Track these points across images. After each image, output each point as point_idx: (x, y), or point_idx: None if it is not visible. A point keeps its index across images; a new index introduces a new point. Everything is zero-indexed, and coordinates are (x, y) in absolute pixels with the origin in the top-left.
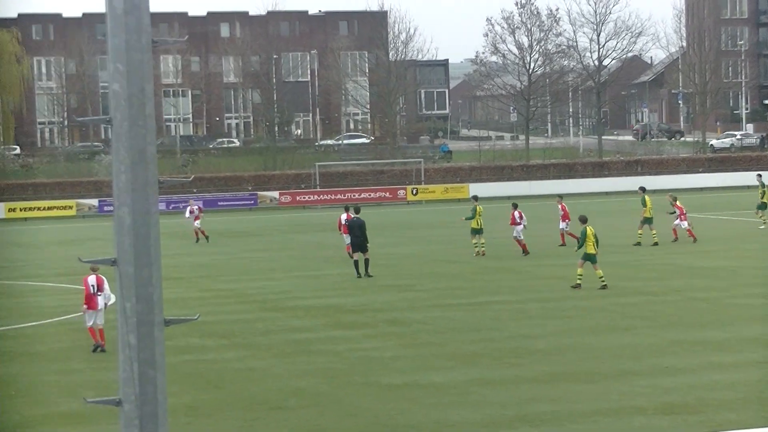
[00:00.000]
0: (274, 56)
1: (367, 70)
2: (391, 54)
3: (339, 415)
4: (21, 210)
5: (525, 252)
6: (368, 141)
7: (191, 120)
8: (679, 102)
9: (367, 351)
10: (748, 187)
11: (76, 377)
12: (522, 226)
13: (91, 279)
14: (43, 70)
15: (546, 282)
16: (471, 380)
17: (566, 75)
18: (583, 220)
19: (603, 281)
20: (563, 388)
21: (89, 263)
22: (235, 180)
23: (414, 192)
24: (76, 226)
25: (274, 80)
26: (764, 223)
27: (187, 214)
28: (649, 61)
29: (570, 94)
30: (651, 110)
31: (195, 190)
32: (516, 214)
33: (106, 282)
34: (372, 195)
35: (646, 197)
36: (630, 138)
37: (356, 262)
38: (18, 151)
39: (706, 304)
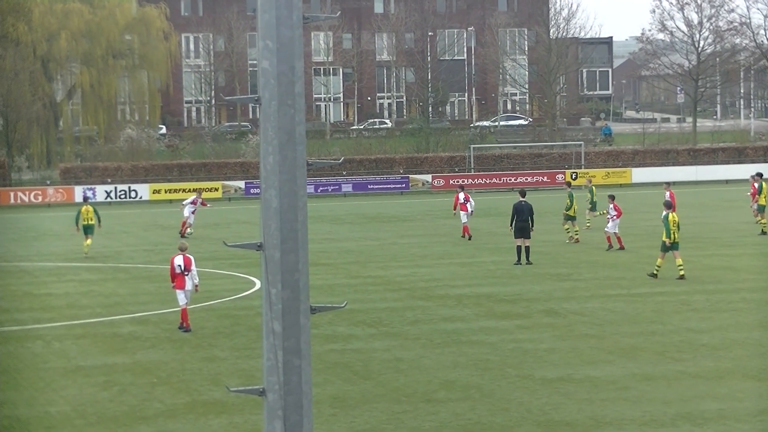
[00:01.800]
0: (430, 33)
1: (526, 48)
2: (552, 31)
3: (490, 409)
4: (166, 192)
5: (611, 247)
6: (526, 123)
7: (342, 100)
8: None
9: (520, 343)
10: None
11: (220, 365)
12: (618, 220)
13: (178, 259)
14: (191, 47)
15: (712, 273)
16: (630, 375)
17: (738, 54)
18: (668, 205)
19: (681, 270)
20: (729, 385)
21: (234, 248)
22: (387, 162)
23: (573, 176)
24: (222, 208)
25: (429, 58)
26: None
27: (187, 203)
28: None
29: (742, 74)
30: None
31: (344, 173)
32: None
33: (193, 262)
34: (529, 179)
35: (764, 184)
36: None
37: (518, 248)
38: (164, 130)
39: None
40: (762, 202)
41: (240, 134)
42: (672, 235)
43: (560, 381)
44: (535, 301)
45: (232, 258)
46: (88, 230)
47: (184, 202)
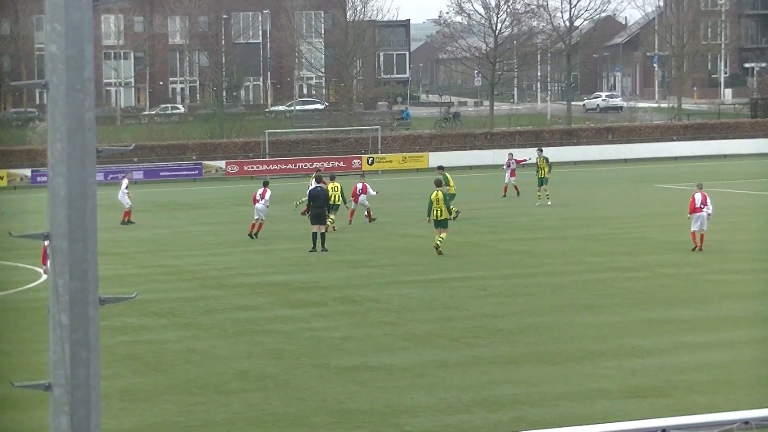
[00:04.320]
0: (224, 16)
1: (322, 32)
2: (348, 14)
3: (285, 399)
4: None
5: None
6: (322, 107)
7: (133, 84)
8: (655, 65)
9: (316, 331)
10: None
11: (4, 360)
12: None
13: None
14: None
15: (508, 257)
16: (426, 362)
17: (535, 37)
18: (437, 183)
19: (438, 242)
20: (524, 370)
21: (20, 238)
22: (179, 148)
23: (370, 161)
24: (7, 197)
25: (223, 42)
26: (539, 198)
27: None
28: (623, 22)
29: (538, 57)
30: (624, 74)
31: (135, 159)
32: (360, 186)
33: None
34: (326, 165)
35: (448, 175)
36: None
37: (314, 235)
38: None
39: (677, 280)
40: (453, 191)
41: (26, 120)
42: (435, 213)
43: (356, 369)
44: (330, 289)
45: (17, 249)
46: None
47: None
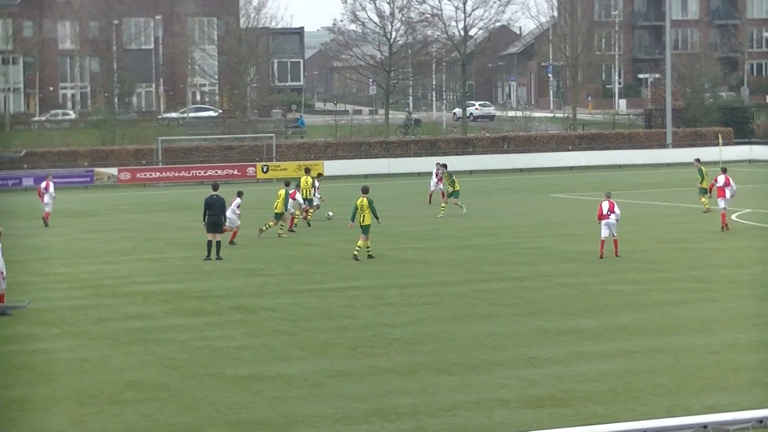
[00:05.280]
0: (115, 21)
1: (216, 38)
2: (242, 21)
3: (179, 409)
4: None
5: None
6: (216, 114)
7: (23, 90)
8: (549, 75)
9: (211, 340)
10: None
11: None
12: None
13: None
14: None
15: (405, 267)
16: (323, 371)
17: (430, 45)
18: (364, 190)
19: (369, 251)
20: (422, 379)
21: None
22: (70, 155)
23: (264, 169)
24: None
25: (115, 47)
26: (443, 209)
27: None
28: (518, 32)
29: (434, 65)
30: (519, 84)
31: (26, 166)
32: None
33: None
34: (219, 172)
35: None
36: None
37: (209, 243)
38: None
39: (575, 290)
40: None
41: None
42: (359, 218)
43: (252, 379)
44: (225, 298)
45: None
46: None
47: None
